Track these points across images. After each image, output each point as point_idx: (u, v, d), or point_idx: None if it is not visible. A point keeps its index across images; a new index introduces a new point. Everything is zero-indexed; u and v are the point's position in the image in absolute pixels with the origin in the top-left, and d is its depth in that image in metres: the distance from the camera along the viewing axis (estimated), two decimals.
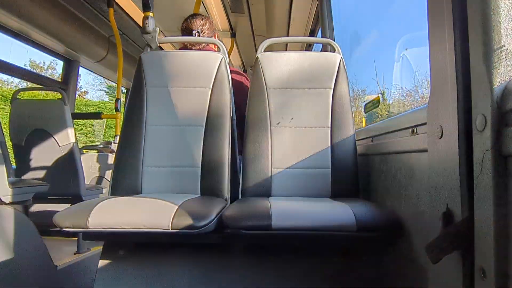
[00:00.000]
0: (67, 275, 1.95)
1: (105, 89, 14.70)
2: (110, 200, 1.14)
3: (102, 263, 1.27)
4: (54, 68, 12.90)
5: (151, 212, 1.07)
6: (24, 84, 8.31)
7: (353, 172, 1.41)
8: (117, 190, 1.38)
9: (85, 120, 9.76)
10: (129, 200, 1.17)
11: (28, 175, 2.40)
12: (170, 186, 1.41)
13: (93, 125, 10.03)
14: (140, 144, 1.43)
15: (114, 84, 3.95)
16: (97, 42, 3.40)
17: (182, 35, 1.82)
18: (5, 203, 1.67)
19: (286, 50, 3.96)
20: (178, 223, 1.03)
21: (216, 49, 1.82)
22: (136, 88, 1.48)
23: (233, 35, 3.96)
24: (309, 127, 1.47)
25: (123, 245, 1.29)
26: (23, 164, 2.42)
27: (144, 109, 1.46)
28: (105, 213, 1.07)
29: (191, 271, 1.26)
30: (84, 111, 9.41)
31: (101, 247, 1.31)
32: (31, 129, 2.38)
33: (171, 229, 1.03)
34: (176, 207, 1.08)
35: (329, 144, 1.44)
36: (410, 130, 1.02)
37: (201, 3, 2.79)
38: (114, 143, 3.38)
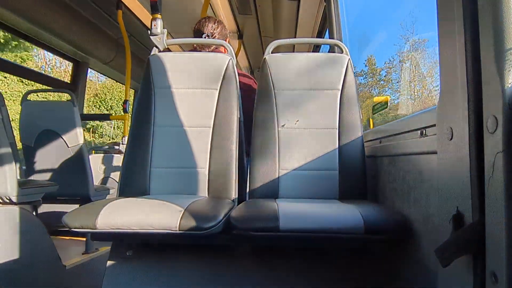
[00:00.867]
0: (75, 275, 1.97)
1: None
2: (118, 201, 1.15)
3: (110, 263, 1.28)
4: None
5: (159, 213, 1.07)
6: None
7: (361, 174, 1.40)
8: (125, 190, 1.39)
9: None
10: (137, 201, 1.17)
11: (37, 176, 2.44)
12: (178, 187, 1.41)
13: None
14: (148, 145, 1.44)
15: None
16: (106, 44, 3.45)
17: (194, 37, 1.82)
18: (14, 203, 1.69)
19: (293, 51, 3.96)
20: (186, 224, 1.03)
21: (224, 51, 1.82)
22: (144, 90, 1.49)
23: (240, 36, 3.97)
24: (316, 129, 1.46)
25: (131, 245, 1.30)
26: (33, 165, 2.45)
27: (152, 110, 1.47)
28: (113, 214, 1.07)
29: (198, 272, 1.26)
30: None
31: (109, 247, 1.32)
32: (40, 130, 2.41)
33: (179, 230, 1.03)
34: (184, 208, 1.08)
35: (337, 146, 1.43)
36: (419, 131, 1.01)
37: (209, 4, 2.81)
38: (122, 144, 3.40)
